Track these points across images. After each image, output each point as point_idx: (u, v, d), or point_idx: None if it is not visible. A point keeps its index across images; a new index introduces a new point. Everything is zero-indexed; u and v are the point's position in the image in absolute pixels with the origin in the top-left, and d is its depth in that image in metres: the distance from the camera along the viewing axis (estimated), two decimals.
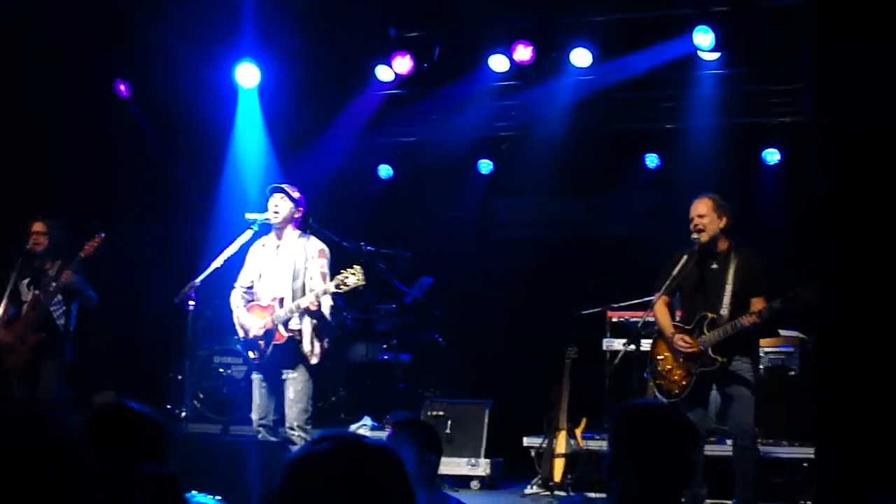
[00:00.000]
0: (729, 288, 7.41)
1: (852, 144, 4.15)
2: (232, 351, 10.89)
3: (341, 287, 7.63)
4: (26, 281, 9.14)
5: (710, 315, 7.41)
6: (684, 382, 7.48)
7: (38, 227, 9.12)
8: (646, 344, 7.99)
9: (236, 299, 8.16)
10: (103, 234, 8.93)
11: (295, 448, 7.49)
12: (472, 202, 12.79)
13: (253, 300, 8.11)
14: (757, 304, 7.31)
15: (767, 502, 8.33)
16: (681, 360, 7.50)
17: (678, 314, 7.80)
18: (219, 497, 2.47)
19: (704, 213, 7.55)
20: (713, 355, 7.35)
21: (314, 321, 7.87)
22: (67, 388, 9.28)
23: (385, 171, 12.99)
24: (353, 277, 7.61)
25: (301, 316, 7.86)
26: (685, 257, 7.47)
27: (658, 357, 7.70)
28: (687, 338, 7.46)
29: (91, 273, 9.16)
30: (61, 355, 9.06)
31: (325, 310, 7.84)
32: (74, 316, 9.19)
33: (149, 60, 10.81)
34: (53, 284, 8.95)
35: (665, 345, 7.66)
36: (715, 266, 7.53)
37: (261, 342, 7.89)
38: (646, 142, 11.86)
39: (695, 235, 7.51)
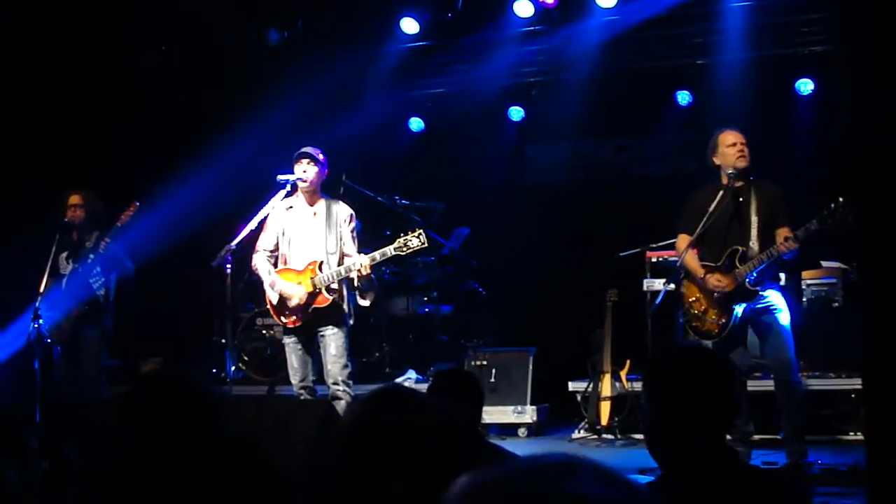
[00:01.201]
0: (755, 220, 7.35)
1: (886, 70, 4.07)
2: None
3: (403, 249, 7.72)
4: (65, 255, 9.20)
5: (740, 248, 7.36)
6: (723, 320, 7.42)
7: (74, 199, 9.16)
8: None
9: (263, 263, 8.11)
10: (138, 203, 8.97)
11: (341, 403, 7.53)
12: (505, 150, 12.70)
13: (277, 263, 8.11)
14: (783, 233, 7.25)
15: (816, 434, 8.30)
16: (716, 298, 7.44)
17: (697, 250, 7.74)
18: None
19: (745, 141, 7.50)
20: (751, 287, 7.30)
21: (361, 282, 7.94)
22: (111, 357, 9.36)
23: (416, 123, 12.92)
24: (416, 240, 7.71)
25: (340, 279, 7.90)
26: (721, 193, 7.40)
27: (690, 300, 7.62)
28: (719, 276, 7.40)
29: (128, 242, 9.20)
30: (102, 326, 9.13)
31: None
32: (114, 287, 9.25)
33: (178, 24, 10.81)
34: (91, 256, 9.02)
35: (696, 286, 7.59)
36: (736, 204, 7.48)
37: (299, 305, 7.92)
38: (676, 79, 11.70)
39: (741, 163, 7.45)
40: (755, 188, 7.45)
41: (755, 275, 7.29)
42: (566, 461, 1.16)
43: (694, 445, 3.09)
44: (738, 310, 7.36)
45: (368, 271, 7.80)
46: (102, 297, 9.12)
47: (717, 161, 7.59)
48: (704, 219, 7.38)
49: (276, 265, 8.10)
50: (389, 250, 7.75)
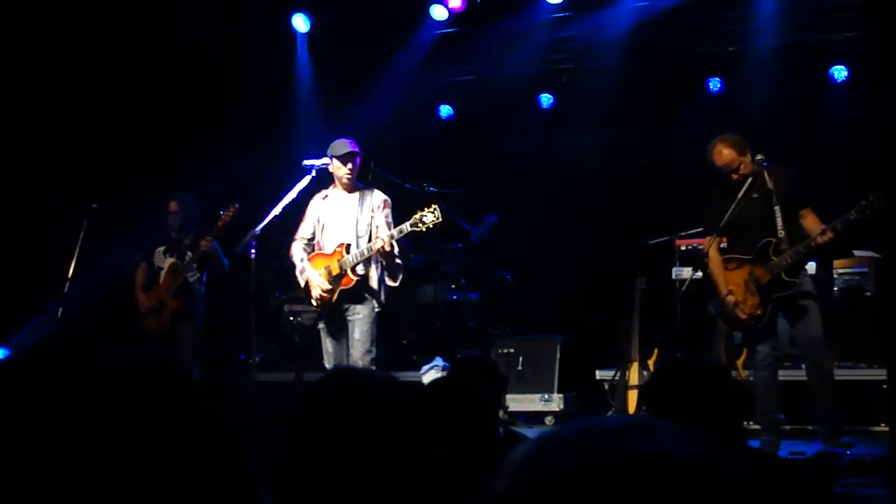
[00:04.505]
0: (777, 208, 7.29)
1: None
2: (302, 299, 10.93)
3: (419, 225, 7.70)
4: (162, 249, 9.52)
5: (773, 240, 7.29)
6: (759, 311, 7.37)
7: (172, 206, 9.45)
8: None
9: (298, 252, 8.26)
10: (238, 205, 9.12)
11: None
12: (534, 137, 12.61)
13: (314, 250, 8.19)
14: (807, 215, 7.20)
15: (847, 425, 8.21)
16: (753, 288, 7.38)
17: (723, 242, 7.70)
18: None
19: (732, 161, 7.41)
20: (788, 279, 7.25)
21: (386, 262, 7.95)
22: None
23: (445, 110, 12.89)
24: (431, 216, 7.67)
25: (368, 261, 7.92)
26: (749, 181, 7.33)
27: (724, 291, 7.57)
28: (754, 268, 7.37)
29: (225, 242, 9.36)
30: (196, 318, 9.38)
31: (396, 250, 7.91)
32: (204, 281, 9.51)
33: (207, 9, 10.82)
34: (190, 254, 9.26)
35: (730, 277, 7.54)
36: (756, 195, 7.41)
37: (326, 292, 7.97)
38: (707, 66, 11.59)
39: (743, 174, 7.40)
40: (770, 175, 7.39)
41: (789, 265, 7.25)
42: (643, 421, 1.12)
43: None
44: (777, 300, 7.32)
45: (390, 248, 7.79)
46: (197, 290, 9.40)
47: None
48: (732, 207, 7.31)
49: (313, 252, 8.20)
50: (406, 226, 7.76)
